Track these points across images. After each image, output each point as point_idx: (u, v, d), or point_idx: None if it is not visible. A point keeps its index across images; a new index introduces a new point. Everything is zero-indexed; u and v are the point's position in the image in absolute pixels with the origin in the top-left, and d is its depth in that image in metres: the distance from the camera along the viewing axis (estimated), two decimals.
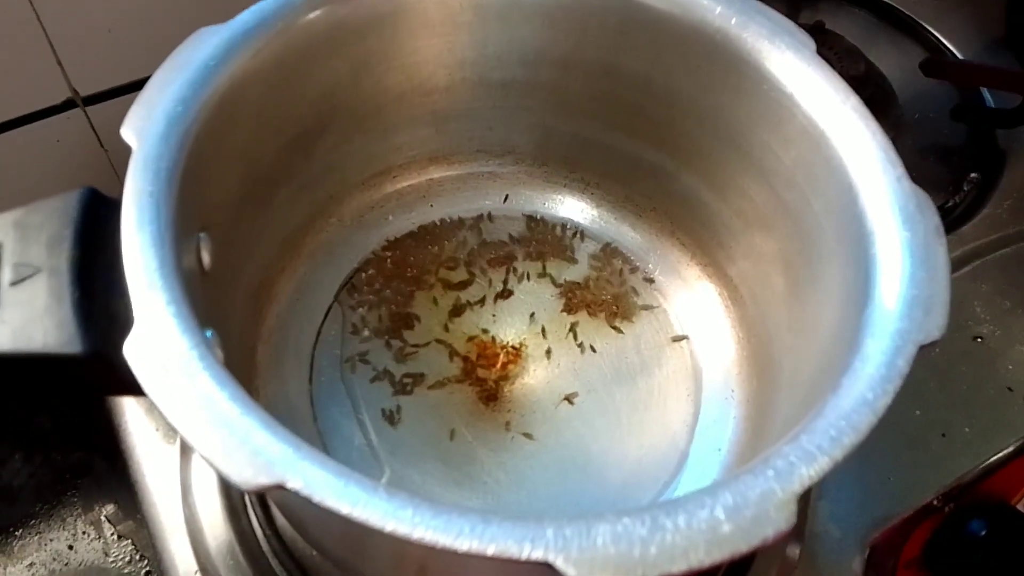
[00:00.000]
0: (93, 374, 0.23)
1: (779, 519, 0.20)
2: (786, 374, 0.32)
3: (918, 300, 0.24)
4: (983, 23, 0.58)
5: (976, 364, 0.44)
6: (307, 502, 0.20)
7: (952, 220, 0.49)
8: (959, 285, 0.47)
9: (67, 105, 0.47)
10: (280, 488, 0.20)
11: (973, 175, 0.50)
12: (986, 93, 0.54)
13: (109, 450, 0.43)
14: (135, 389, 0.22)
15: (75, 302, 0.23)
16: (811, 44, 0.30)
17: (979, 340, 0.45)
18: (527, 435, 0.35)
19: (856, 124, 0.28)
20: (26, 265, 0.24)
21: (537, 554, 0.19)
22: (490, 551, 0.19)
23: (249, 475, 0.20)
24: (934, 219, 0.25)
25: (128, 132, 0.25)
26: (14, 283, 0.23)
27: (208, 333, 0.25)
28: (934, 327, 0.23)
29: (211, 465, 0.20)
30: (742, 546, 0.20)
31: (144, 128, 0.25)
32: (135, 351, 0.21)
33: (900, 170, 0.26)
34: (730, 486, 0.21)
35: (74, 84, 0.46)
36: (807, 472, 0.21)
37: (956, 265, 0.48)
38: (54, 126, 0.47)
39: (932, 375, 0.43)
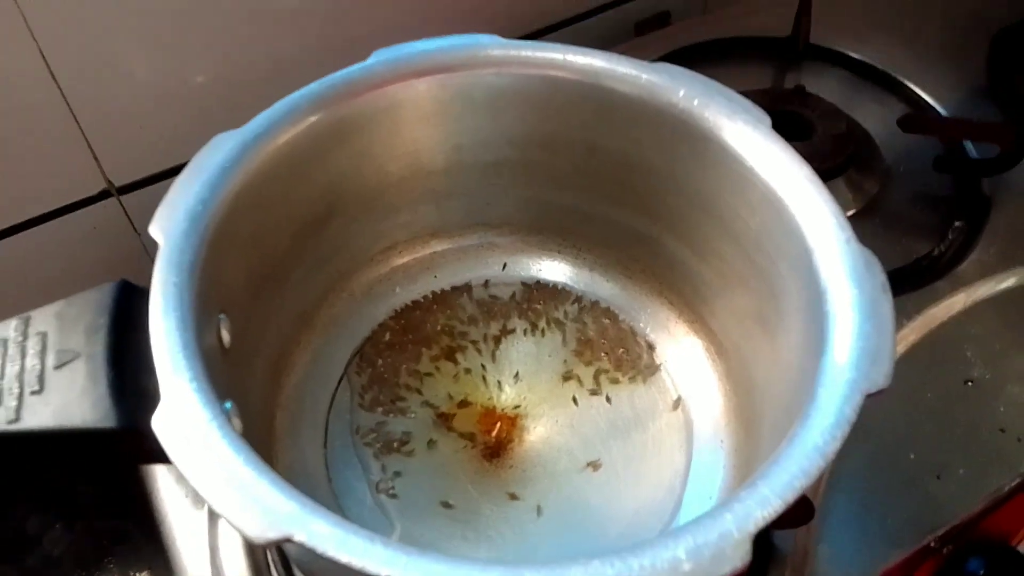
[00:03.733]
0: (125, 446, 0.26)
1: (735, 557, 0.22)
2: (767, 423, 0.34)
3: (866, 352, 0.26)
4: (964, 75, 0.60)
5: (969, 406, 0.45)
6: (314, 554, 0.23)
7: (940, 267, 0.51)
8: (949, 329, 0.48)
9: (103, 195, 0.51)
10: (288, 540, 0.22)
11: (958, 223, 0.52)
12: (968, 144, 0.56)
13: (143, 518, 0.46)
14: (162, 458, 0.24)
15: (110, 382, 0.26)
16: (766, 120, 0.32)
17: (970, 383, 0.46)
18: (529, 490, 0.37)
19: (810, 191, 0.31)
20: (67, 351, 0.27)
21: None
22: None
23: (260, 530, 0.22)
24: (880, 276, 0.28)
25: (155, 230, 0.28)
26: (57, 367, 0.27)
27: (227, 405, 0.28)
28: (880, 376, 0.25)
29: (227, 521, 0.23)
30: None
31: (168, 226, 0.28)
32: (161, 424, 0.24)
33: (849, 232, 0.29)
34: (692, 530, 0.23)
35: (108, 175, 0.50)
36: (761, 514, 0.23)
37: (945, 311, 0.49)
38: (91, 215, 0.51)
39: (926, 418, 0.44)
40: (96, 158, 0.49)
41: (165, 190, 0.29)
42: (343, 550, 0.22)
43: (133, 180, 0.51)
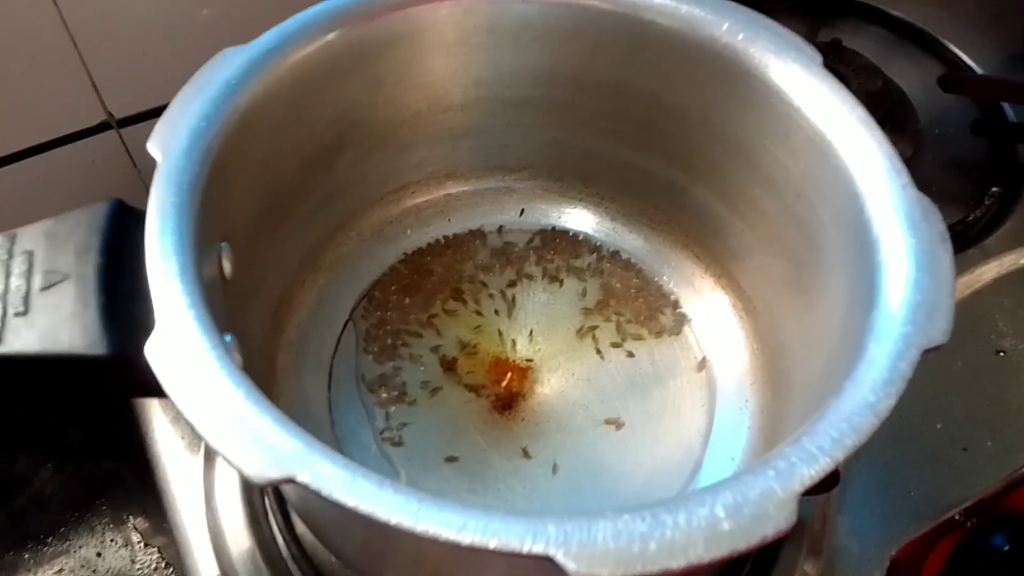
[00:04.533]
0: (117, 376, 0.25)
1: (779, 518, 0.20)
2: (797, 383, 0.32)
3: (922, 305, 0.24)
4: (1002, 38, 0.58)
5: (999, 378, 0.44)
6: (318, 498, 0.21)
7: (974, 234, 0.49)
8: (981, 298, 0.47)
9: (102, 127, 0.49)
10: (290, 481, 0.20)
11: (995, 189, 0.50)
12: (1007, 107, 0.53)
13: (137, 461, 0.44)
14: (157, 391, 0.22)
15: (100, 307, 0.24)
16: (818, 58, 0.30)
17: (1002, 354, 0.44)
18: (541, 444, 0.35)
19: (862, 134, 0.28)
20: (55, 272, 0.25)
21: (538, 548, 0.20)
22: (492, 544, 0.20)
23: (260, 469, 0.21)
24: (939, 226, 0.26)
25: (154, 146, 0.26)
26: (44, 288, 0.25)
27: (228, 338, 0.26)
28: (938, 332, 0.23)
29: (225, 459, 0.21)
30: (741, 544, 0.20)
31: (169, 143, 0.26)
32: (156, 352, 0.22)
33: (906, 178, 0.27)
34: (731, 486, 0.21)
35: (109, 107, 0.48)
36: (807, 472, 0.21)
37: (978, 278, 0.47)
38: (90, 147, 0.49)
39: (954, 389, 0.43)
40: (96, 89, 0.47)
41: None
42: (350, 494, 0.20)
43: (134, 113, 0.49)
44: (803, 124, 0.30)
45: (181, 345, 0.22)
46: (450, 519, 0.20)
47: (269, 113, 0.30)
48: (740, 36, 0.31)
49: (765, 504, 0.20)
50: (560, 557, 0.19)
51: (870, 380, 0.23)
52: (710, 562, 0.20)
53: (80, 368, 0.24)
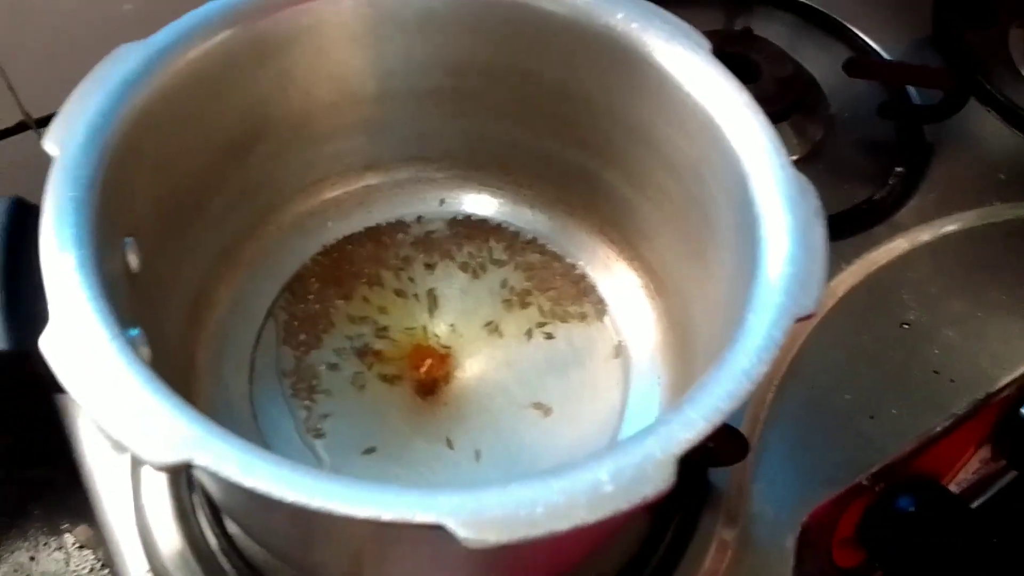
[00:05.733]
0: (16, 371, 0.25)
1: (658, 479, 0.21)
2: (700, 356, 0.33)
3: (796, 277, 0.25)
4: (909, 23, 0.60)
5: (904, 349, 0.46)
6: (217, 481, 0.21)
7: (881, 211, 0.51)
8: (888, 274, 0.48)
9: (19, 128, 0.48)
10: (188, 465, 0.21)
11: (899, 169, 0.52)
12: (912, 90, 0.56)
13: (67, 464, 0.44)
14: (58, 385, 0.23)
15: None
16: (706, 45, 0.31)
17: (906, 326, 0.46)
18: (463, 428, 0.36)
19: (747, 117, 0.30)
20: None
21: (429, 518, 0.21)
22: (386, 517, 0.21)
23: (159, 453, 0.21)
24: (814, 202, 0.27)
25: (50, 143, 0.26)
26: None
27: (133, 332, 0.26)
28: (810, 301, 0.25)
29: (123, 445, 0.21)
30: (623, 504, 0.21)
31: (66, 138, 0.26)
32: (50, 344, 0.22)
33: (784, 158, 0.28)
34: (614, 452, 0.22)
35: (26, 107, 0.47)
36: (685, 436, 0.22)
37: (884, 255, 0.49)
38: (8, 148, 0.48)
39: (861, 359, 0.45)
40: (12, 89, 0.46)
41: None
42: (248, 475, 0.21)
43: (52, 112, 0.48)
44: (695, 109, 0.31)
45: (78, 337, 0.23)
46: (344, 493, 0.21)
47: (170, 109, 0.30)
48: (633, 25, 0.32)
49: (645, 467, 0.22)
50: (451, 525, 0.20)
51: (746, 349, 0.24)
52: (594, 522, 0.21)
53: None
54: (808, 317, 0.25)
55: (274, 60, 0.34)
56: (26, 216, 0.27)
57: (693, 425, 0.23)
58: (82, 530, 0.50)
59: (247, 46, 0.32)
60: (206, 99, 0.32)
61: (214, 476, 0.21)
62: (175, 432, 0.21)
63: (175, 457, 0.21)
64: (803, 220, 0.27)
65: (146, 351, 0.27)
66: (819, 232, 0.26)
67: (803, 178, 0.28)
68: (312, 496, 0.21)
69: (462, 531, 0.20)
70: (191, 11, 0.30)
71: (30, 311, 0.25)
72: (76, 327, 0.23)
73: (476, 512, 0.21)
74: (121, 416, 0.22)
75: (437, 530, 0.21)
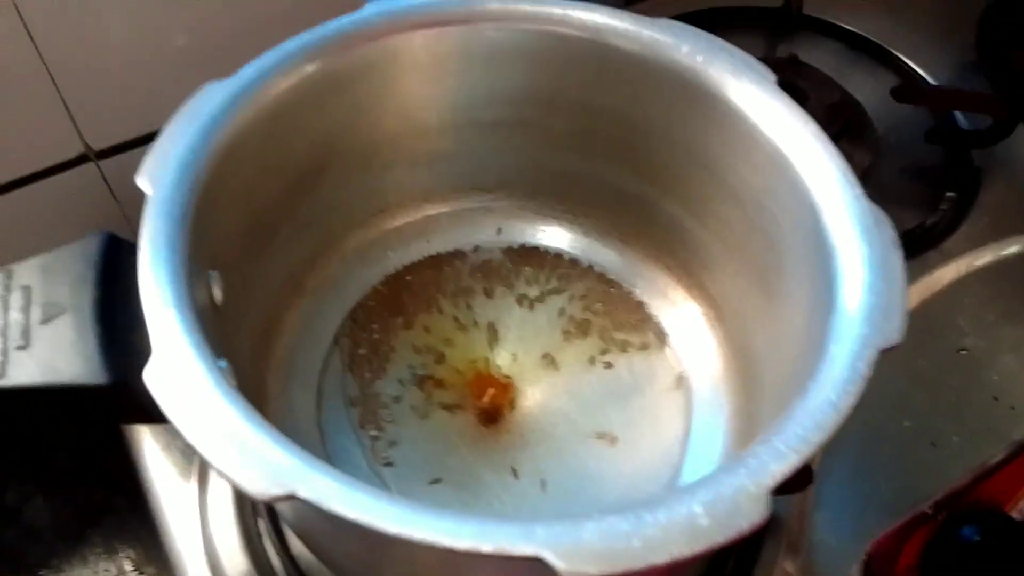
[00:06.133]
0: (115, 403, 0.25)
1: (752, 512, 0.22)
2: (768, 386, 0.34)
3: (877, 307, 0.26)
4: (954, 49, 0.60)
5: (962, 375, 0.45)
6: (318, 513, 0.22)
7: (932, 237, 0.51)
8: (942, 300, 0.48)
9: (81, 159, 0.49)
10: (291, 497, 0.21)
11: (950, 194, 0.52)
12: (959, 115, 0.56)
13: (129, 489, 0.45)
14: (155, 416, 0.23)
15: (98, 337, 0.25)
16: (772, 77, 0.32)
17: (964, 352, 0.46)
18: (527, 456, 0.37)
19: (816, 148, 0.30)
20: (53, 305, 0.26)
21: (529, 550, 0.21)
22: (485, 549, 0.21)
23: (263, 487, 0.22)
24: (890, 232, 0.27)
25: (143, 180, 0.27)
26: (43, 321, 0.25)
27: (223, 363, 0.27)
28: (893, 331, 0.25)
29: (227, 479, 0.22)
30: (719, 538, 0.21)
31: (158, 175, 0.27)
32: (154, 378, 0.23)
33: (857, 189, 0.28)
34: (707, 484, 0.22)
35: (87, 139, 0.49)
36: (777, 468, 0.22)
37: (937, 281, 0.49)
38: (69, 180, 0.49)
39: (920, 387, 0.45)
40: (74, 121, 0.47)
41: (144, 155, 0.28)
42: (349, 506, 0.21)
43: (112, 144, 0.50)
44: (761, 141, 0.32)
45: (178, 370, 0.23)
46: (446, 527, 0.21)
47: (252, 143, 0.31)
48: (699, 59, 0.33)
49: (739, 500, 0.22)
50: (550, 557, 0.21)
51: (831, 380, 0.24)
52: (691, 556, 0.21)
53: (80, 397, 0.25)
54: (892, 348, 0.25)
55: (347, 93, 0.34)
56: (117, 251, 0.27)
57: (784, 457, 0.23)
58: (140, 555, 0.50)
59: (324, 81, 0.33)
60: (283, 132, 0.33)
61: (315, 508, 0.22)
62: (277, 465, 0.22)
63: (279, 490, 0.21)
64: (880, 250, 0.27)
65: (233, 381, 0.28)
66: (897, 262, 0.26)
67: (877, 209, 0.28)
68: (415, 529, 0.21)
69: (560, 563, 0.21)
70: (259, 49, 0.31)
71: (126, 344, 0.25)
72: (176, 361, 0.23)
73: (574, 544, 0.21)
74: (224, 449, 0.22)
75: (535, 562, 0.21)
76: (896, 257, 0.27)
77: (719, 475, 0.22)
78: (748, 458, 0.23)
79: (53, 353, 0.25)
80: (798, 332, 0.30)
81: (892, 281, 0.26)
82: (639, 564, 0.21)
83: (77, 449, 0.51)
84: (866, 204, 0.28)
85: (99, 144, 0.49)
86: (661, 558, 0.21)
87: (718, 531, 0.21)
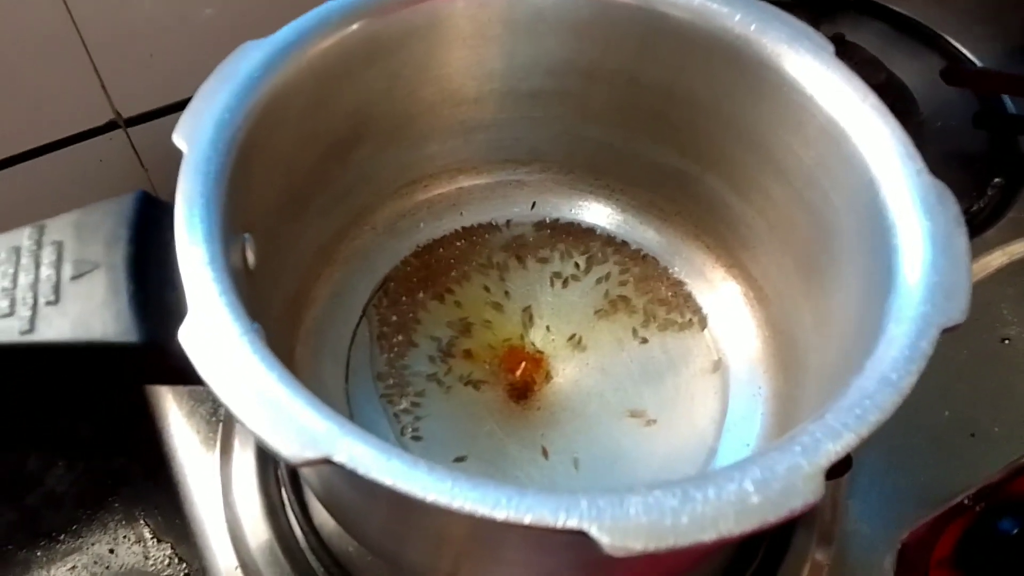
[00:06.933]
0: (148, 362, 0.25)
1: (807, 491, 0.21)
2: (811, 368, 0.33)
3: (940, 286, 0.24)
4: (1002, 32, 0.59)
5: (1004, 365, 0.44)
6: (350, 480, 0.21)
7: (977, 225, 0.49)
8: (986, 288, 0.47)
9: (110, 126, 0.49)
10: (326, 462, 0.21)
11: (997, 180, 0.51)
12: (1007, 100, 0.54)
13: (148, 457, 0.45)
14: (187, 377, 0.23)
15: (131, 295, 0.25)
16: (830, 47, 0.31)
17: (1007, 341, 0.45)
18: (558, 433, 0.36)
19: (875, 121, 0.29)
20: (85, 261, 0.25)
21: (572, 523, 0.20)
22: (527, 520, 0.20)
23: (297, 450, 0.21)
24: (954, 208, 0.26)
25: (179, 138, 0.26)
26: (74, 278, 0.25)
27: (256, 326, 0.26)
28: (956, 311, 0.24)
29: (261, 441, 0.21)
30: (770, 516, 0.20)
31: (194, 134, 0.26)
32: (189, 337, 0.22)
33: (920, 164, 0.27)
34: (758, 461, 0.21)
35: (117, 107, 0.48)
36: (832, 447, 0.21)
37: (982, 268, 0.48)
38: (97, 146, 0.49)
39: (960, 376, 0.44)
40: (104, 88, 0.47)
41: (173, 124, 0.27)
42: (386, 473, 0.21)
43: (141, 112, 0.49)
44: (816, 113, 0.30)
45: (214, 331, 0.23)
46: (485, 496, 0.20)
47: (290, 105, 0.30)
48: (752, 27, 0.32)
49: (793, 478, 0.21)
50: (594, 531, 0.20)
51: (891, 358, 0.23)
52: (740, 535, 0.20)
53: (112, 356, 0.24)
54: (955, 328, 0.24)
55: (385, 60, 0.33)
56: (152, 209, 0.27)
57: (839, 436, 0.22)
58: (160, 523, 0.50)
59: (362, 45, 0.32)
60: (320, 97, 0.32)
61: (349, 474, 0.21)
62: (312, 429, 0.21)
63: (314, 454, 0.21)
64: (944, 227, 0.26)
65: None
66: (961, 240, 0.25)
67: (940, 184, 0.27)
68: (453, 497, 0.20)
69: (606, 538, 0.20)
70: (311, 9, 0.30)
71: (160, 303, 0.25)
72: (211, 322, 0.23)
73: (620, 519, 0.20)
74: (259, 411, 0.22)
75: (577, 536, 0.20)
76: (960, 234, 0.25)
77: (771, 452, 0.21)
78: (801, 435, 0.22)
79: (84, 310, 0.24)
80: (848, 314, 0.29)
81: (956, 259, 0.25)
82: (686, 541, 0.20)
83: (100, 417, 0.51)
84: (929, 179, 0.27)
85: (128, 111, 0.49)
86: (710, 535, 0.20)
87: (770, 509, 0.20)
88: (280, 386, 0.22)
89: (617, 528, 0.20)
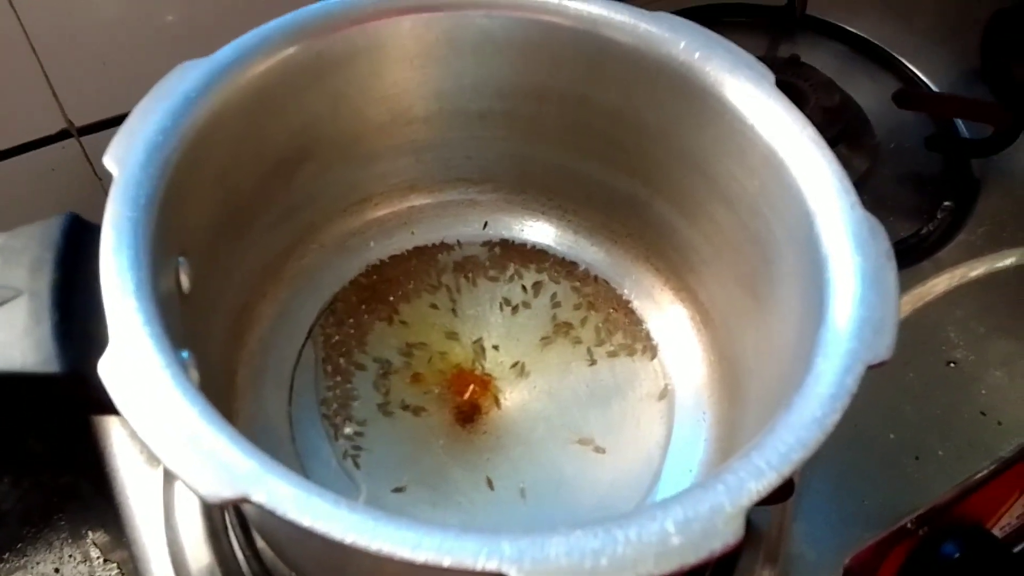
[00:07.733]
0: (71, 393, 0.24)
1: (727, 532, 0.21)
2: (752, 395, 0.33)
3: (868, 321, 0.25)
4: (958, 56, 0.59)
5: (950, 388, 0.45)
6: (273, 517, 0.21)
7: (927, 246, 0.50)
8: (934, 310, 0.48)
9: (62, 135, 0.48)
10: (244, 501, 0.20)
11: (947, 203, 0.51)
12: (960, 123, 0.55)
13: (96, 475, 0.44)
14: (111, 408, 0.22)
15: (54, 324, 0.24)
16: (770, 77, 0.31)
17: (953, 365, 0.46)
18: (503, 458, 0.36)
19: (813, 153, 0.29)
20: (8, 288, 0.25)
21: (492, 565, 0.20)
22: (446, 562, 0.20)
23: (215, 489, 0.21)
24: (885, 244, 0.26)
25: (110, 160, 0.26)
26: None
27: (184, 354, 0.26)
28: (883, 347, 0.24)
29: (179, 478, 0.21)
30: (691, 558, 0.20)
31: (125, 156, 0.26)
32: (109, 369, 0.22)
33: (853, 197, 0.27)
34: (681, 501, 0.21)
35: (69, 115, 0.48)
36: (755, 487, 0.21)
37: (930, 290, 0.48)
38: (50, 155, 0.48)
39: (907, 399, 0.44)
40: (56, 95, 0.46)
41: None
42: (305, 513, 0.20)
43: (94, 120, 0.49)
44: (757, 142, 0.31)
45: (135, 362, 0.22)
46: (405, 537, 0.20)
47: (228, 126, 0.30)
48: (696, 55, 0.32)
49: (714, 519, 0.21)
50: (513, 573, 0.20)
51: (817, 395, 0.23)
52: None
53: (33, 385, 0.24)
54: (881, 364, 0.24)
55: (330, 79, 0.33)
56: (82, 232, 0.26)
57: (762, 475, 0.22)
58: (107, 542, 0.49)
59: (306, 65, 0.32)
60: (262, 117, 0.31)
61: (270, 513, 0.21)
62: (232, 466, 0.21)
63: (231, 493, 0.20)
64: (874, 262, 0.26)
65: (195, 374, 0.27)
66: (891, 275, 0.26)
67: (873, 219, 0.27)
68: (372, 539, 0.20)
69: None
70: (253, 28, 0.30)
71: (84, 332, 0.24)
72: (133, 352, 0.22)
73: (539, 561, 0.20)
74: (177, 447, 0.21)
75: None
76: (890, 270, 0.26)
77: (695, 491, 0.21)
78: (725, 474, 0.22)
79: (4, 339, 0.24)
80: (786, 342, 0.29)
81: (885, 295, 0.25)
82: None
83: (46, 432, 0.50)
84: (861, 213, 0.27)
85: (81, 120, 0.48)
86: None
87: (690, 551, 0.20)
88: (201, 421, 0.22)
89: (536, 571, 0.20)
